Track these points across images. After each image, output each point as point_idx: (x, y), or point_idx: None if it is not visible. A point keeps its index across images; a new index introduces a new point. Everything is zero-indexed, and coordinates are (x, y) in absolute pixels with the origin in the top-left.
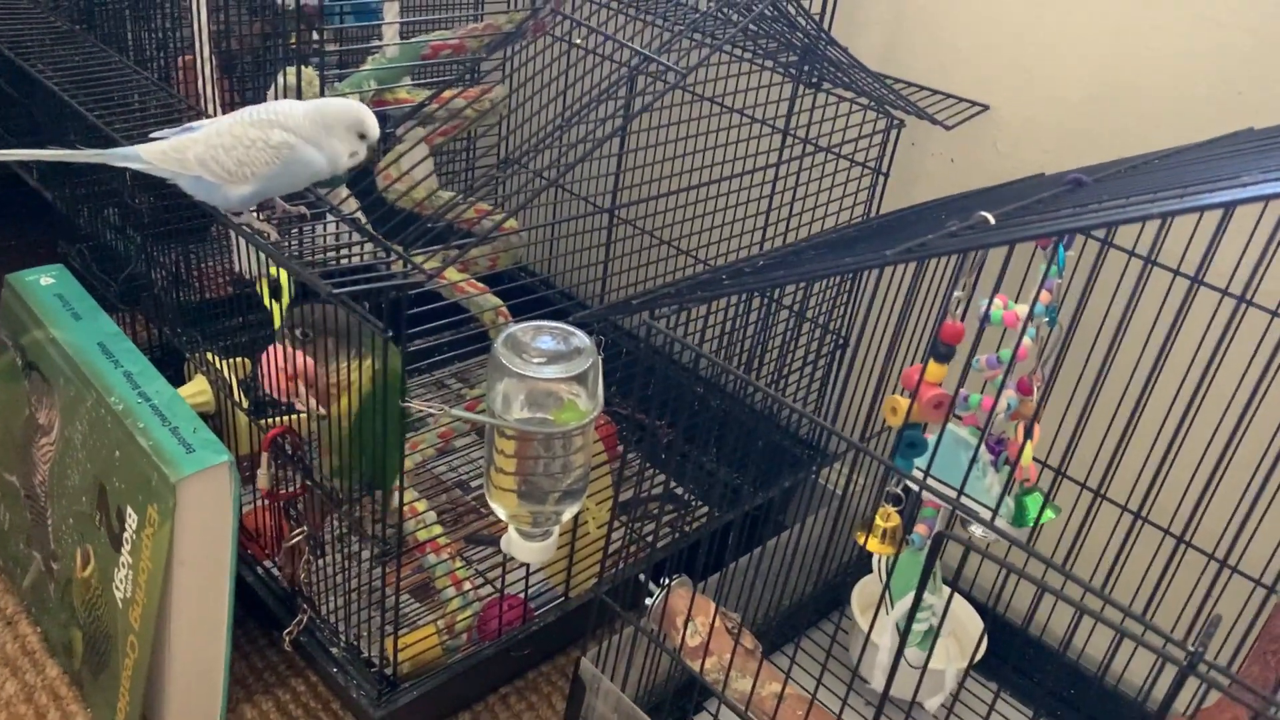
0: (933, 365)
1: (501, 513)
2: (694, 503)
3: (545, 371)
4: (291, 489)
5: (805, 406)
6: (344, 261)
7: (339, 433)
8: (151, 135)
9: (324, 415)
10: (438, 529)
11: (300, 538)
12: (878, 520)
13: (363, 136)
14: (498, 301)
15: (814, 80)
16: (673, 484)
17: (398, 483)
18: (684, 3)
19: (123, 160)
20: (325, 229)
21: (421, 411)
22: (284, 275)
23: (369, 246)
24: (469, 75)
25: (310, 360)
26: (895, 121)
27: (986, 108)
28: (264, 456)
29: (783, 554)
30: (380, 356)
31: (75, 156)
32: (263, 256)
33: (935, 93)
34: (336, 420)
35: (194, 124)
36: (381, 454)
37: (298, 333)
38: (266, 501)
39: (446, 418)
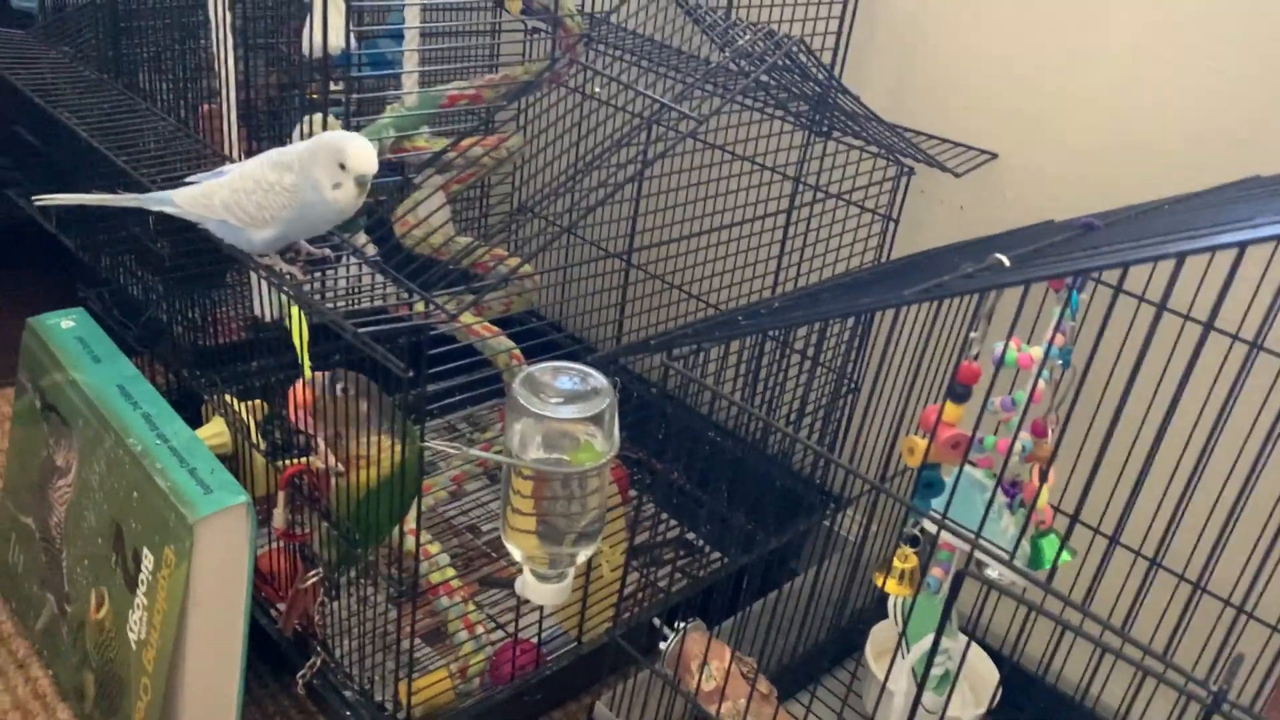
0: (950, 406)
1: (518, 554)
2: (707, 548)
3: (563, 411)
4: (307, 530)
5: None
6: (363, 303)
7: (347, 502)
8: (185, 180)
9: (341, 472)
10: (450, 572)
11: (315, 580)
12: (895, 561)
13: (343, 166)
14: (511, 344)
15: (825, 129)
16: (685, 530)
17: (412, 526)
18: (696, 55)
19: (158, 204)
20: (348, 271)
21: (441, 452)
22: (298, 315)
23: (390, 289)
24: (485, 124)
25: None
26: (905, 169)
27: (995, 156)
28: (280, 496)
29: (797, 599)
30: (404, 442)
31: (115, 200)
32: (285, 298)
33: (944, 141)
34: (353, 488)
35: (223, 168)
36: (377, 528)
37: (339, 387)
38: (281, 543)
39: (460, 460)
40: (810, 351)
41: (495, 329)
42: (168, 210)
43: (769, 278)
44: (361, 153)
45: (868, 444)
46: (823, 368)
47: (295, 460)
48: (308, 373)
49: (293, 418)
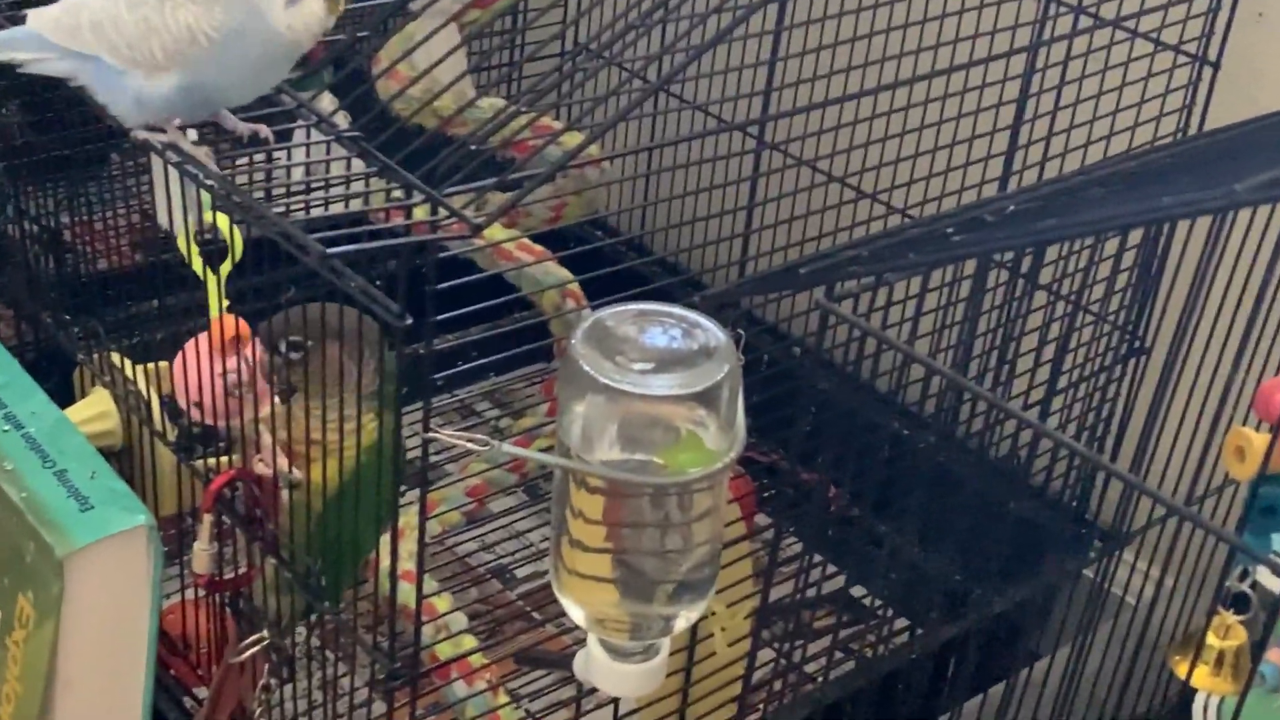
0: None
1: (578, 615)
2: (887, 612)
3: (653, 385)
4: (243, 571)
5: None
6: (331, 207)
7: (306, 522)
8: None
9: (298, 481)
10: (468, 641)
11: (256, 650)
12: (1210, 638)
13: None
14: (567, 275)
15: None
16: (851, 581)
17: (409, 566)
18: None
19: (8, 48)
20: (306, 155)
21: (453, 446)
22: (225, 223)
23: (373, 183)
24: None
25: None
26: None
27: None
28: (204, 520)
29: (1039, 696)
30: (389, 407)
31: None
32: (194, 200)
33: None
34: (313, 496)
35: None
36: (351, 554)
37: (283, 346)
38: (204, 592)
39: (483, 461)
40: (1067, 288)
41: (541, 249)
42: (18, 57)
43: (996, 164)
44: None
45: (1164, 442)
46: (1088, 314)
47: (225, 459)
48: (218, 313)
49: (182, 397)
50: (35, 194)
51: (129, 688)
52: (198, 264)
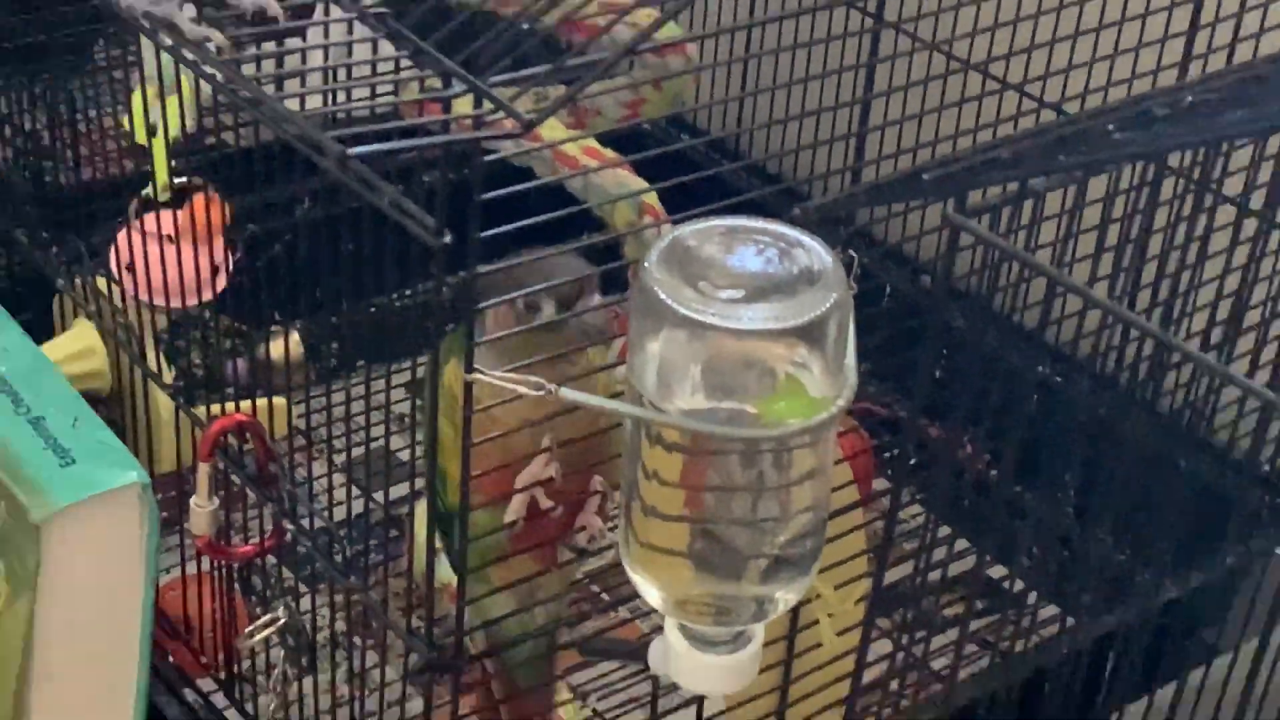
0: None
1: (653, 596)
2: (1030, 597)
3: (745, 317)
4: (257, 539)
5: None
6: (352, 98)
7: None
8: None
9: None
10: None
11: (270, 630)
12: None
13: None
14: (641, 184)
15: None
16: (988, 560)
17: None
18: None
19: None
20: (325, 36)
21: (501, 389)
22: (178, 93)
23: (404, 71)
24: None
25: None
26: None
27: None
28: (200, 471)
29: (1216, 702)
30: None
31: None
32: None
33: None
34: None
35: None
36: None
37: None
38: (210, 563)
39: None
40: (1258, 201)
41: (612, 154)
42: None
43: (1173, 47)
44: None
45: None
46: None
47: (231, 405)
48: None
49: (120, 269)
50: (6, 90)
51: (119, 676)
52: (141, 131)
